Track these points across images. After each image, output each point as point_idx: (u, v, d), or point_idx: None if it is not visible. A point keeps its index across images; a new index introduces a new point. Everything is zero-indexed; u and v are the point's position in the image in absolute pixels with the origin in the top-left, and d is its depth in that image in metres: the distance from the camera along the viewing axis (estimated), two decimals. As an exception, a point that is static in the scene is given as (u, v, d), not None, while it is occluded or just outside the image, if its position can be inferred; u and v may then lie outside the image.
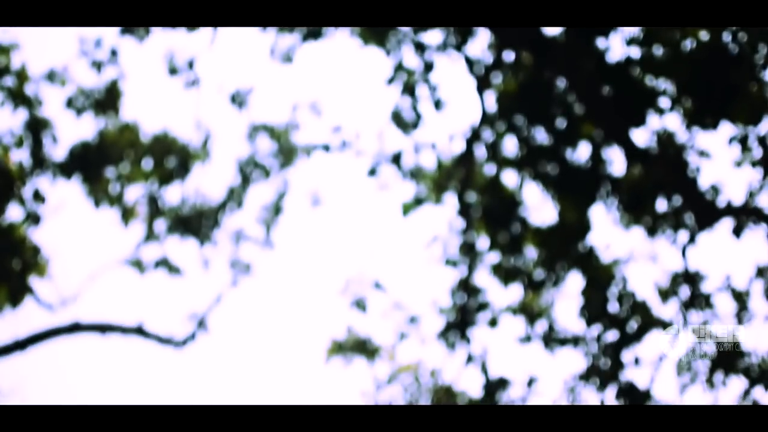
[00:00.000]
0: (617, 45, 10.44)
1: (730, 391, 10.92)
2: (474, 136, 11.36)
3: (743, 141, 9.59)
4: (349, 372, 12.27)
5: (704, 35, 9.69)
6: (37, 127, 11.06)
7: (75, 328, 11.57)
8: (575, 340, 11.52)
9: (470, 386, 12.15)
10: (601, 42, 10.49)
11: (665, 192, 10.39)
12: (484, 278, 11.94)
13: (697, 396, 11.05)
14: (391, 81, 11.64)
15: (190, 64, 12.12)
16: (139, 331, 11.97)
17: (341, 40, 11.59)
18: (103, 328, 11.77)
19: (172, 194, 12.30)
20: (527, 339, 11.82)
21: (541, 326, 11.77)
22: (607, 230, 11.88)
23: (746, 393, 10.79)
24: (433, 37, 11.44)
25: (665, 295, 11.28)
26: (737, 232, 10.00)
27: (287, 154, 12.93)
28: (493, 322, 11.92)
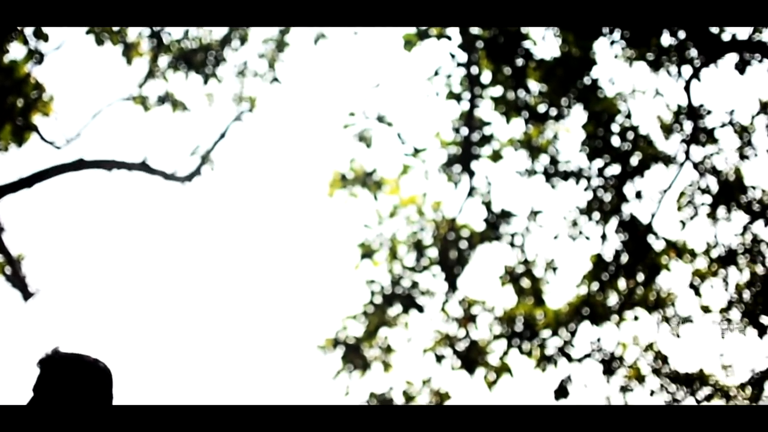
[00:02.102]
0: None
1: (731, 226, 11.04)
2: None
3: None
4: (353, 205, 12.40)
5: None
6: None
7: (80, 164, 11.57)
8: (577, 174, 11.58)
9: (473, 219, 12.30)
10: None
11: (669, 26, 10.25)
12: (486, 112, 11.94)
13: (698, 230, 11.19)
14: None
15: None
16: (144, 166, 11.98)
17: None
18: (108, 165, 11.79)
19: (175, 30, 12.14)
20: (530, 173, 11.89)
21: (543, 160, 11.83)
22: (610, 64, 11.80)
23: (746, 228, 10.91)
24: None
25: (668, 129, 11.28)
26: (741, 67, 9.91)
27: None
28: (495, 156, 11.97)
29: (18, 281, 11.50)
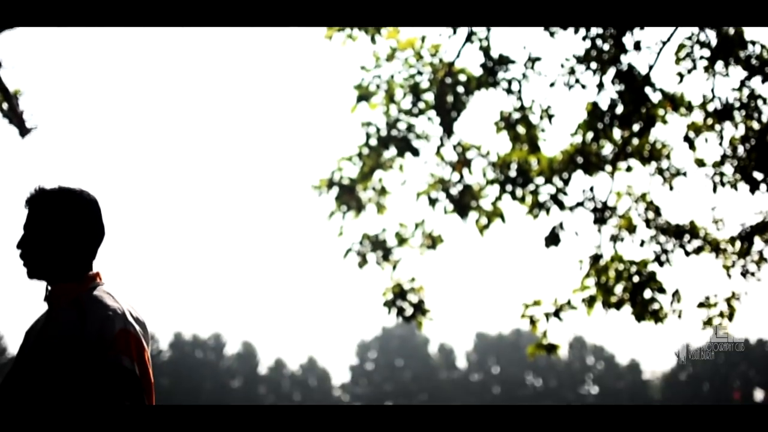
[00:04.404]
0: None
1: (729, 81, 10.92)
2: None
3: None
4: (351, 47, 12.28)
5: None
6: None
7: None
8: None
9: (470, 64, 12.19)
10: None
11: None
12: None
13: (696, 83, 11.06)
14: None
15: None
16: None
17: None
18: None
19: None
20: (529, 19, 11.67)
21: (543, 7, 11.60)
22: None
23: (743, 83, 10.78)
24: None
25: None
26: None
27: None
28: (495, 1, 11.73)
29: (15, 117, 11.55)
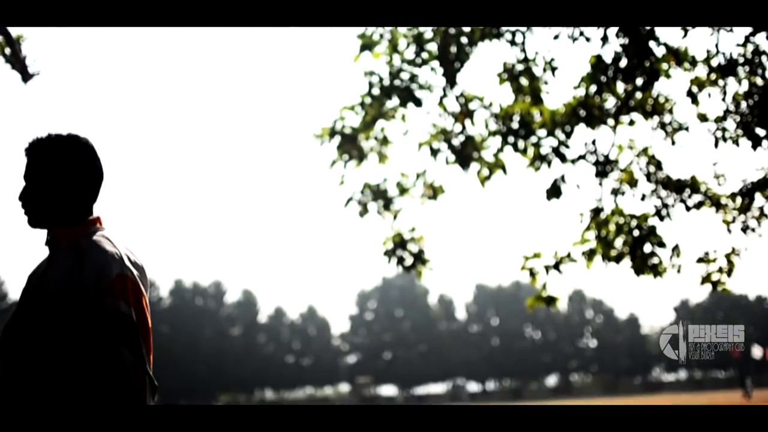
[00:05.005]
0: None
1: (733, 36, 10.88)
2: None
3: None
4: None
5: None
6: None
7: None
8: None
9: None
10: None
11: None
12: None
13: (700, 38, 10.99)
14: None
15: None
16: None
17: None
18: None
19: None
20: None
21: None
22: None
23: (747, 39, 10.73)
24: None
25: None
26: None
27: None
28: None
29: (18, 62, 11.54)
